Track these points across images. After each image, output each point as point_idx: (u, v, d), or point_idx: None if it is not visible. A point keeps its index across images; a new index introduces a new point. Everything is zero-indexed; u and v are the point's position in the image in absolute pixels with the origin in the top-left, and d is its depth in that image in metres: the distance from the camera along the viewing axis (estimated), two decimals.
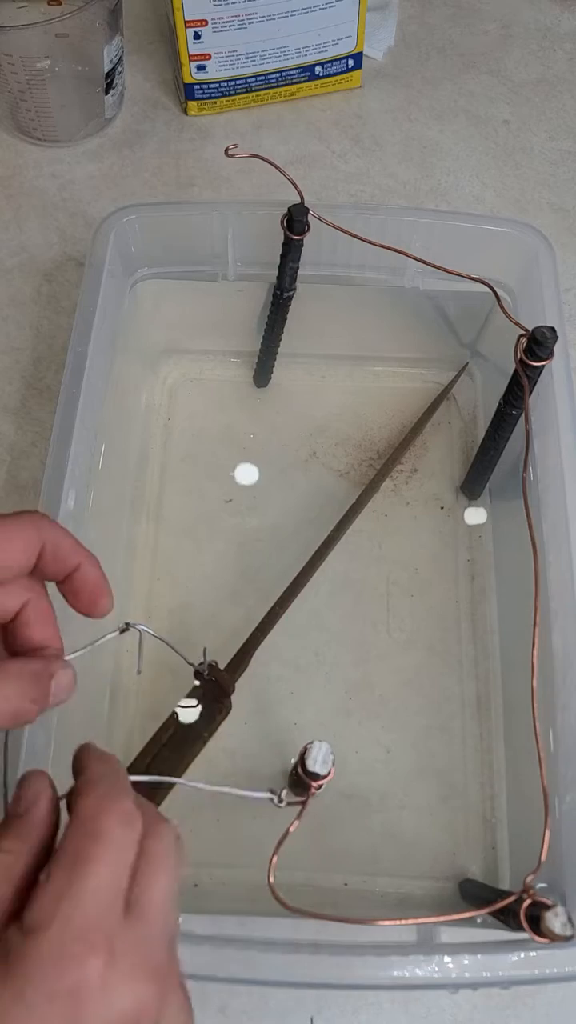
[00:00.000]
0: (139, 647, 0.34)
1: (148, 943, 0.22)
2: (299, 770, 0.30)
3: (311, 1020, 0.38)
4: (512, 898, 0.30)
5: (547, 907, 0.29)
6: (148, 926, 0.22)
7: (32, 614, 0.29)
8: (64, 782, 0.31)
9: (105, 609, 0.30)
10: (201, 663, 0.38)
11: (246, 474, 0.52)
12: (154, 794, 0.34)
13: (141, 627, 0.32)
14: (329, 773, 0.30)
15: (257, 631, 0.42)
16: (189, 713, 0.37)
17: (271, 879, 0.28)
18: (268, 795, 0.30)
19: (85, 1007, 0.20)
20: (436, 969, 0.30)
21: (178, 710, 0.37)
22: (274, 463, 0.52)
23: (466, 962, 0.30)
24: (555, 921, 0.28)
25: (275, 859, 0.29)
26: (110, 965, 0.21)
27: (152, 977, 0.22)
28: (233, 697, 0.39)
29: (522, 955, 0.30)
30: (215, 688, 0.38)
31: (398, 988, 0.31)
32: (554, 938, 0.28)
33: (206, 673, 0.38)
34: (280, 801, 0.30)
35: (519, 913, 0.29)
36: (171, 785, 0.35)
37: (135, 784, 0.31)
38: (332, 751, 0.30)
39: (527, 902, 0.30)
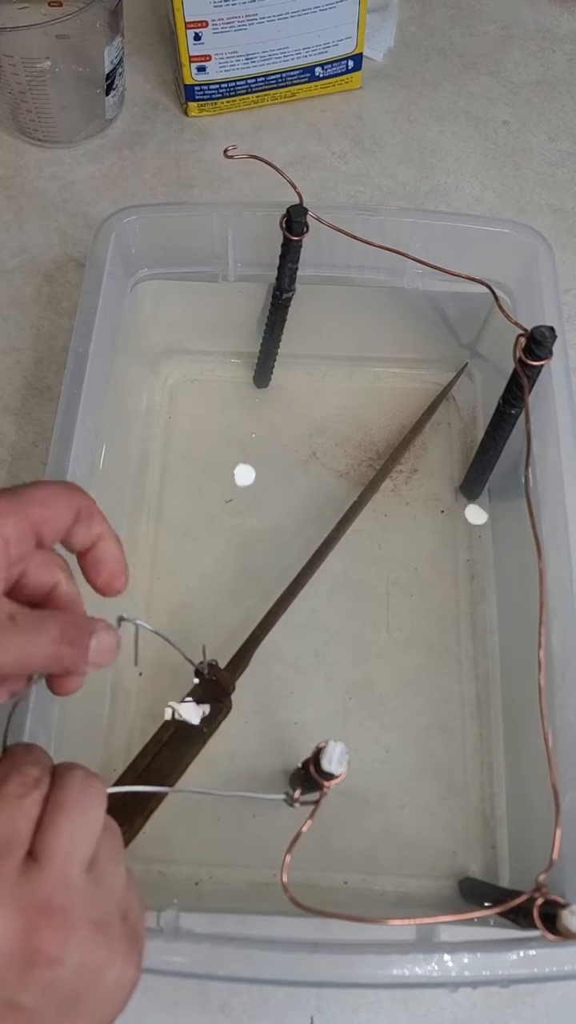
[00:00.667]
0: (135, 641, 0.34)
1: (43, 886, 0.23)
2: (312, 769, 0.30)
3: (311, 1019, 0.38)
4: (524, 897, 0.30)
5: (562, 906, 0.29)
6: (43, 870, 0.24)
7: (62, 596, 0.30)
8: None
9: (121, 587, 0.31)
10: (201, 662, 0.38)
11: (246, 474, 0.52)
12: (154, 795, 0.34)
13: (138, 622, 0.32)
14: (342, 772, 0.30)
15: (257, 631, 0.43)
16: (189, 712, 0.37)
17: (284, 878, 0.28)
18: (283, 797, 0.30)
19: None
20: (436, 968, 0.30)
21: (175, 706, 0.37)
22: (274, 463, 0.53)
23: (466, 961, 0.30)
24: (571, 919, 0.28)
25: (288, 858, 0.29)
26: None
27: (38, 913, 0.23)
28: (233, 696, 0.39)
29: (522, 953, 0.30)
30: (215, 687, 0.38)
31: (398, 987, 0.31)
32: (571, 936, 0.28)
33: (206, 672, 0.38)
34: (294, 801, 0.30)
35: (531, 912, 0.29)
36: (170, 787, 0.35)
37: (147, 794, 0.32)
38: (347, 750, 0.30)
39: (540, 901, 0.30)
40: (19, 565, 0.29)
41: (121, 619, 0.32)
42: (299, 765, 0.31)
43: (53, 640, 0.28)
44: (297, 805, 0.30)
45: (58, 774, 0.26)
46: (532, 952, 0.30)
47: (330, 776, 0.29)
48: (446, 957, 0.30)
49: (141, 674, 0.45)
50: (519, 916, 0.30)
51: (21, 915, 0.23)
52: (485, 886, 0.39)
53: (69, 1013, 0.23)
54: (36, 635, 0.28)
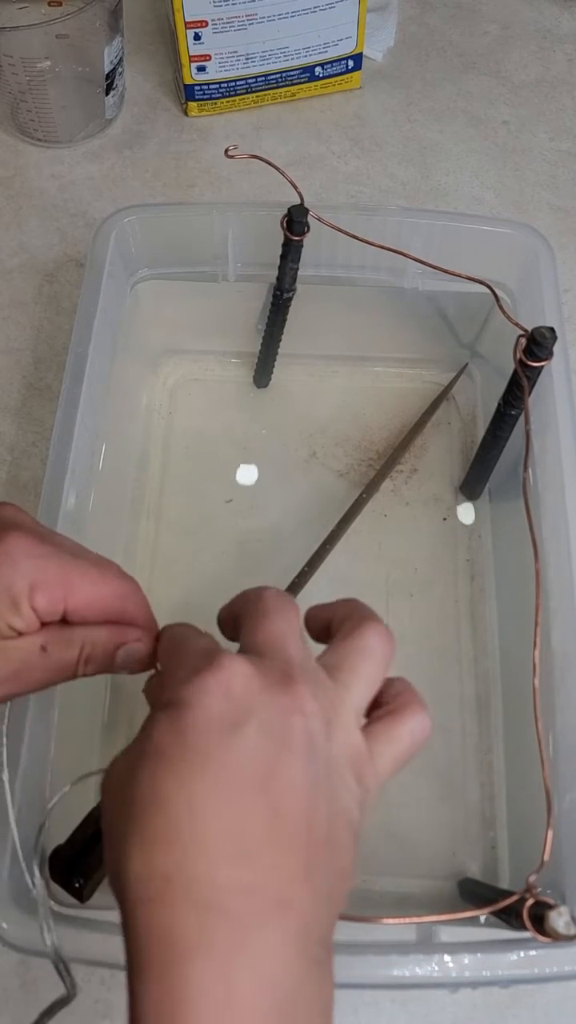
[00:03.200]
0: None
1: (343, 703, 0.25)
2: None
3: None
4: (515, 898, 0.30)
5: (550, 907, 0.29)
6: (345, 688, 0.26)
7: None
8: (65, 779, 0.31)
9: (139, 671, 0.31)
10: None
11: (246, 474, 0.52)
12: None
13: None
14: None
15: None
16: None
17: None
18: None
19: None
20: (436, 968, 0.30)
21: None
22: (274, 463, 0.53)
23: (466, 961, 0.30)
24: (559, 921, 0.28)
25: None
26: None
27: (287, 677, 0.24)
28: None
29: (522, 954, 0.30)
30: None
31: (398, 987, 0.31)
32: (558, 937, 0.28)
33: None
34: None
35: (522, 913, 0.29)
36: None
37: None
38: None
39: (530, 902, 0.30)
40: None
41: None
42: None
43: (70, 663, 0.28)
44: None
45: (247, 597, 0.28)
46: (532, 953, 0.30)
47: None
48: (446, 958, 0.30)
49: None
50: (511, 917, 0.30)
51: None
52: (485, 887, 0.39)
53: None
54: (56, 661, 0.28)
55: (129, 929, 0.21)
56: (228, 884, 0.21)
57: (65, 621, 0.29)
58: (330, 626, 0.28)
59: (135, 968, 0.21)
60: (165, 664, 0.26)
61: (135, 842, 0.22)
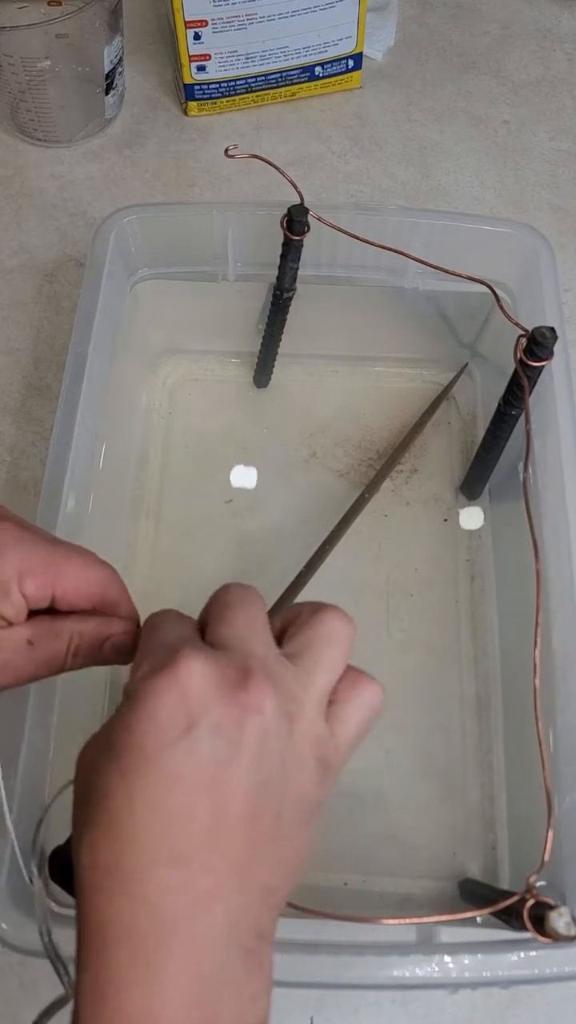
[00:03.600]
0: None
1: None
2: None
3: (311, 1020, 0.38)
4: (515, 898, 0.30)
5: (551, 907, 0.29)
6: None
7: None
8: (65, 779, 0.31)
9: (123, 662, 0.31)
10: None
11: (246, 474, 0.52)
12: None
13: None
14: None
15: None
16: None
17: None
18: None
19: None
20: (436, 969, 0.30)
21: None
22: (274, 463, 0.52)
23: (466, 962, 0.30)
24: (559, 921, 0.28)
25: None
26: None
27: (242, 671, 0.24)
28: None
29: (522, 955, 0.30)
30: None
31: (398, 988, 0.31)
32: (558, 938, 0.28)
33: None
34: None
35: (522, 913, 0.29)
36: None
37: None
38: None
39: (530, 902, 0.30)
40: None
41: None
42: None
43: (58, 656, 0.28)
44: None
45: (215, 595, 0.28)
46: (532, 953, 0.30)
47: None
48: (446, 958, 0.30)
49: None
50: (511, 918, 0.30)
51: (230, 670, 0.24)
52: (485, 887, 0.39)
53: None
54: (43, 654, 0.28)
55: (78, 914, 0.22)
56: (161, 883, 0.22)
57: (51, 611, 0.29)
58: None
59: (78, 952, 0.22)
60: (137, 652, 0.26)
61: (86, 831, 0.23)
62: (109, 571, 0.30)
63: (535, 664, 0.33)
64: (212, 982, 0.22)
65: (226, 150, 0.41)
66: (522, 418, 0.40)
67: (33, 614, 0.28)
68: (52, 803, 0.31)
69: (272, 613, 0.28)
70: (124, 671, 0.45)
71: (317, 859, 0.40)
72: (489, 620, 0.47)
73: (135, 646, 0.29)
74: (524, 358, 0.39)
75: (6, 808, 0.31)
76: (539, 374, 0.40)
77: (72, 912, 0.31)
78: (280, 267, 0.46)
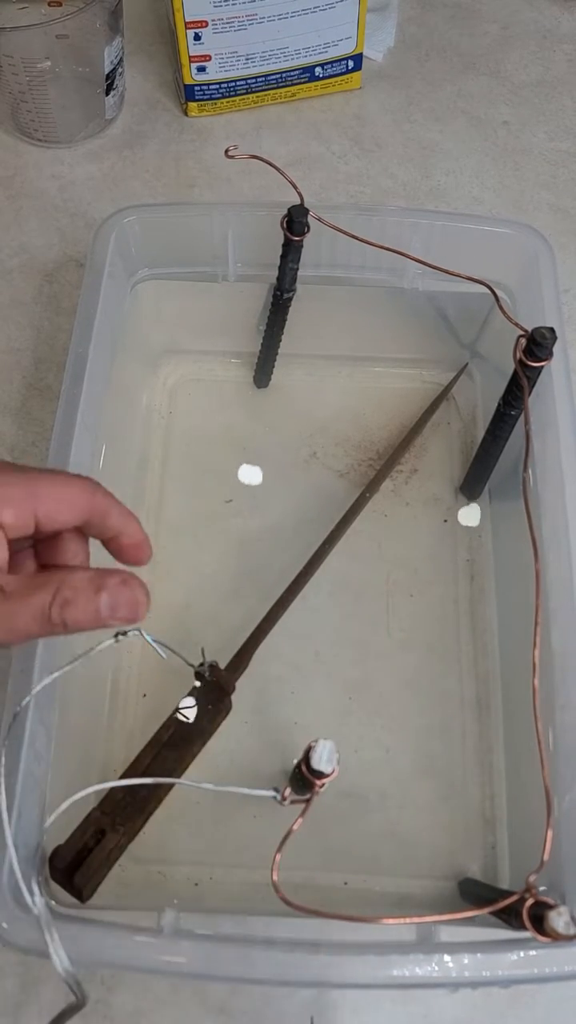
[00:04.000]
0: (153, 644, 0.34)
1: None
2: (303, 768, 0.30)
3: (311, 1020, 0.38)
4: (514, 898, 0.30)
5: (550, 907, 0.29)
6: None
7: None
8: (65, 779, 0.31)
9: (145, 560, 0.32)
10: (201, 663, 0.38)
11: (246, 474, 0.52)
12: (155, 793, 0.34)
13: (134, 633, 0.32)
14: (333, 771, 0.30)
15: (257, 631, 0.43)
16: (190, 713, 0.37)
17: (275, 876, 0.28)
18: (271, 793, 0.30)
19: None
20: (436, 968, 0.30)
21: (184, 711, 0.37)
22: (274, 463, 0.53)
23: (466, 961, 0.30)
24: (559, 920, 0.28)
25: (278, 856, 0.29)
26: None
27: None
28: (233, 697, 0.39)
29: (522, 954, 0.30)
30: (215, 688, 0.38)
31: (398, 987, 0.31)
32: (558, 937, 0.28)
33: (207, 674, 0.38)
34: (283, 799, 0.30)
35: (522, 913, 0.29)
36: (172, 784, 0.35)
37: (140, 787, 0.31)
38: (337, 749, 0.30)
39: (530, 902, 0.30)
40: (20, 544, 0.28)
41: (122, 633, 0.32)
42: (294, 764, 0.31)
43: (42, 607, 0.27)
44: (287, 803, 0.30)
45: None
46: (532, 953, 0.30)
47: (321, 775, 0.29)
48: (446, 958, 0.30)
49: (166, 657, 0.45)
50: (511, 917, 0.30)
51: None
52: (485, 887, 0.39)
53: None
54: (22, 605, 0.27)
55: None
56: None
57: (40, 562, 0.29)
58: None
59: None
60: None
61: None
62: (88, 481, 0.30)
63: (535, 664, 0.33)
64: None
65: (226, 151, 0.41)
66: (522, 418, 0.40)
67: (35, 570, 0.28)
68: (50, 800, 0.31)
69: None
70: (124, 671, 0.45)
71: (317, 858, 0.41)
72: (489, 620, 0.47)
73: (140, 603, 0.28)
74: (524, 358, 0.39)
75: (5, 811, 0.31)
76: (539, 374, 0.40)
77: (71, 912, 0.31)
78: (280, 267, 0.46)
